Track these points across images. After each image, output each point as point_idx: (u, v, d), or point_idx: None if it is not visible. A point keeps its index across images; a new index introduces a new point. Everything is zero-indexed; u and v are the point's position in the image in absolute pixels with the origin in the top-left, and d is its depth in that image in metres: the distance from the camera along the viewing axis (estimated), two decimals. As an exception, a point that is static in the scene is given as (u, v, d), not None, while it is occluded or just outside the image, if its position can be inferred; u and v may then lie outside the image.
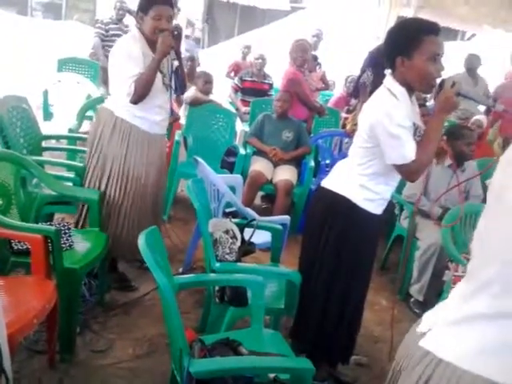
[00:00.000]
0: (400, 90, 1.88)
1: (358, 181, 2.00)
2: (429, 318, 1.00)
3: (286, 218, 2.87)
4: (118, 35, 6.02)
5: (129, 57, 2.39)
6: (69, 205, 2.85)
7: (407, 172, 1.91)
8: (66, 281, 2.10)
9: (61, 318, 2.05)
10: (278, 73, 5.48)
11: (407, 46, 1.83)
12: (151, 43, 2.45)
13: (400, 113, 1.84)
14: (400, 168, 1.89)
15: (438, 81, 1.87)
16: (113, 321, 2.48)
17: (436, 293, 2.89)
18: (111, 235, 2.50)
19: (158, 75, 2.46)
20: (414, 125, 1.90)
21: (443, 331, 0.93)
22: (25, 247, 2.20)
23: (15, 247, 2.22)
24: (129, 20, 6.41)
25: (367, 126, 1.92)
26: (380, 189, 2.00)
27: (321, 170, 4.30)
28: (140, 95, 2.38)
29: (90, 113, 4.17)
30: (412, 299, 3.13)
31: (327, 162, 4.35)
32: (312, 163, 4.03)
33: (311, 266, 2.13)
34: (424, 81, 1.85)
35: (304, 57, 4.35)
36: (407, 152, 1.83)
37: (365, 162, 1.98)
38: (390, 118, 1.82)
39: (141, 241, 1.56)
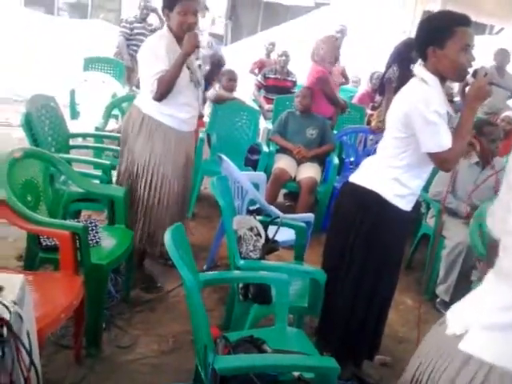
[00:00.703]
0: (433, 79, 1.89)
1: (391, 174, 1.98)
2: (460, 318, 0.97)
3: (310, 216, 2.86)
4: (143, 34, 6.09)
5: (153, 54, 2.41)
6: (96, 202, 2.90)
7: (443, 160, 1.89)
8: (93, 277, 2.13)
9: (87, 313, 2.09)
10: (301, 69, 5.46)
11: (440, 36, 1.86)
12: (179, 39, 2.46)
13: (435, 100, 1.85)
14: (435, 156, 1.88)
15: (470, 71, 1.87)
16: (138, 317, 2.51)
17: (463, 293, 2.83)
18: (138, 232, 2.53)
19: (186, 71, 2.47)
20: (447, 113, 1.89)
21: (488, 336, 0.89)
22: (53, 243, 2.24)
23: (44, 243, 2.27)
24: (153, 19, 6.48)
25: (401, 114, 1.91)
26: (412, 182, 1.99)
27: (345, 168, 4.27)
28: (162, 93, 2.39)
29: (115, 111, 4.22)
30: (438, 299, 3.08)
31: (351, 159, 4.31)
32: (336, 161, 3.99)
33: (338, 263, 2.11)
34: (456, 70, 1.87)
35: (334, 54, 4.33)
36: (444, 140, 1.83)
37: (398, 154, 1.96)
38: (426, 104, 1.83)
39: (166, 237, 1.57)
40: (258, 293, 2.12)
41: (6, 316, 1.23)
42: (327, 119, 4.29)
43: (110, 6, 9.38)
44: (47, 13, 8.79)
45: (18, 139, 5.16)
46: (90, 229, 2.30)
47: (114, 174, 2.85)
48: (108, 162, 3.09)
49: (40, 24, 8.33)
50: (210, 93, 4.35)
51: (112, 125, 4.16)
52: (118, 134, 3.41)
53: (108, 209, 2.71)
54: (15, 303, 1.30)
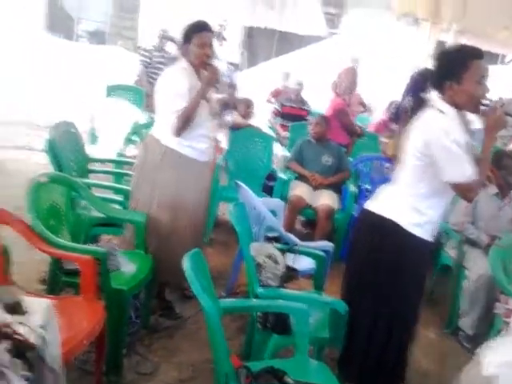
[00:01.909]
0: (451, 110, 1.94)
1: (408, 203, 1.99)
2: (495, 359, 0.96)
3: (330, 245, 2.84)
4: (162, 62, 6.23)
5: (174, 90, 2.45)
6: (115, 227, 2.92)
7: (468, 190, 1.91)
8: (113, 302, 2.14)
9: (108, 339, 2.08)
10: (314, 95, 5.53)
11: (456, 72, 1.93)
12: (197, 70, 2.52)
13: (455, 130, 1.89)
14: (460, 186, 1.89)
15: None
16: (157, 343, 2.50)
17: (487, 326, 2.78)
18: (159, 260, 2.52)
19: (205, 104, 2.52)
20: (467, 143, 1.91)
21: None
22: (74, 267, 2.25)
23: (66, 267, 2.29)
24: (171, 47, 6.63)
25: (421, 143, 1.93)
26: (430, 211, 1.99)
27: (361, 195, 4.26)
28: (182, 129, 2.44)
29: (134, 137, 4.29)
30: (461, 333, 3.01)
31: (367, 186, 4.31)
32: (353, 188, 4.00)
33: (357, 292, 2.10)
34: (472, 103, 1.94)
35: (354, 85, 4.42)
36: (467, 169, 1.85)
37: (415, 182, 1.98)
38: (447, 134, 1.87)
39: (186, 263, 1.57)
40: (277, 322, 2.11)
41: (33, 340, 1.24)
42: (343, 147, 4.32)
43: (127, 35, 9.62)
44: (67, 39, 9.03)
45: (37, 163, 5.26)
46: (110, 254, 2.31)
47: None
48: (128, 188, 3.12)
49: (60, 49, 8.57)
50: (227, 120, 4.41)
51: (131, 151, 4.22)
52: (137, 160, 3.48)
53: (128, 234, 2.73)
54: (42, 327, 1.31)
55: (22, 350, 1.13)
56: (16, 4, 7.87)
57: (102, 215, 2.66)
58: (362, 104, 6.12)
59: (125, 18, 9.55)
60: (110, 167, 3.96)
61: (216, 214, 3.95)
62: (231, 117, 4.52)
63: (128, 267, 2.40)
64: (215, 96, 2.71)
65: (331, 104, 4.42)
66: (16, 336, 1.10)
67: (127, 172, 3.64)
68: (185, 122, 2.42)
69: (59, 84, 7.68)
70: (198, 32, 2.47)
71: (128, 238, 2.69)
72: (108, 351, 2.12)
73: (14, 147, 5.67)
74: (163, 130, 2.54)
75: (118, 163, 3.80)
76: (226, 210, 3.81)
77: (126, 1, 9.42)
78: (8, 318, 1.20)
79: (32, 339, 1.21)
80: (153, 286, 2.61)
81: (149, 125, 4.11)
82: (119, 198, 3.08)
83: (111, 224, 2.87)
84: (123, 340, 2.26)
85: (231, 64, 6.82)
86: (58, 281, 2.25)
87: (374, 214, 2.07)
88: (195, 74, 2.53)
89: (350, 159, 4.43)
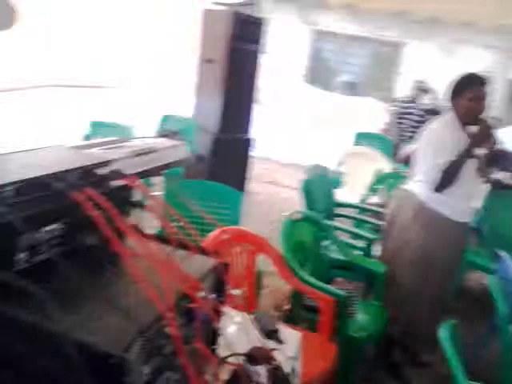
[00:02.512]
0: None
1: None
2: None
3: None
4: (412, 113, 6.19)
5: (439, 144, 2.38)
6: (352, 271, 2.96)
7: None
8: (346, 347, 2.15)
9: (337, 381, 2.10)
10: None
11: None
12: (464, 125, 2.40)
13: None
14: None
15: None
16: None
17: None
18: (395, 316, 2.44)
19: (472, 160, 2.38)
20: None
21: None
22: (313, 305, 2.36)
23: (305, 302, 2.42)
24: (426, 99, 6.53)
25: None
26: None
27: None
28: (446, 185, 2.33)
29: (378, 185, 4.33)
30: None
31: None
32: None
33: None
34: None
35: None
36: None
37: None
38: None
39: (441, 333, 1.48)
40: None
41: (286, 369, 1.33)
42: None
43: (381, 85, 9.89)
44: (324, 89, 9.80)
45: (284, 199, 5.80)
46: (350, 299, 2.35)
47: (374, 248, 2.88)
48: (371, 236, 3.15)
49: (318, 98, 9.40)
50: (495, 178, 4.02)
51: (374, 198, 4.27)
52: (380, 209, 3.48)
53: (365, 282, 2.74)
54: (293, 358, 1.40)
55: (275, 378, 1.22)
56: (283, 59, 9.01)
57: (343, 258, 2.74)
58: None
59: (381, 69, 9.88)
60: (352, 212, 4.07)
61: (461, 280, 3.61)
62: (500, 175, 4.11)
63: (362, 316, 2.41)
64: (482, 152, 2.53)
65: None
66: (274, 362, 1.19)
67: (369, 219, 3.69)
68: (449, 178, 2.32)
69: (314, 130, 8.39)
70: (471, 86, 2.37)
71: (364, 287, 2.70)
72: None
73: (267, 182, 6.41)
74: (421, 185, 2.48)
75: (361, 209, 3.88)
76: (471, 278, 3.48)
77: (382, 53, 9.75)
78: (269, 344, 1.32)
79: (285, 368, 1.30)
80: (382, 340, 2.54)
81: (394, 175, 4.11)
82: (361, 244, 3.12)
83: (348, 268, 2.93)
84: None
85: (493, 118, 6.32)
86: (298, 313, 2.38)
87: None
88: (462, 128, 2.42)
89: None
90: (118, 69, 7.85)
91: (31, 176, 0.82)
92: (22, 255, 0.77)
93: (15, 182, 0.78)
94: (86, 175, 0.94)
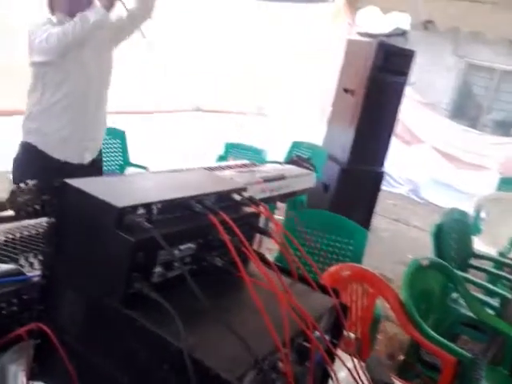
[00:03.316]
0: None
1: None
2: None
3: None
4: None
5: None
6: (480, 331, 2.69)
7: None
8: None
9: None
10: None
11: None
12: None
13: None
14: None
15: None
16: None
17: None
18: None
19: None
20: None
21: None
22: (432, 361, 2.19)
23: (422, 356, 2.25)
24: None
25: None
26: None
27: None
28: None
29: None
30: None
31: None
32: None
33: None
34: None
35: None
36: None
37: None
38: None
39: None
40: None
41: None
42: None
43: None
44: (471, 127, 9.14)
45: (412, 239, 5.50)
46: (476, 363, 2.12)
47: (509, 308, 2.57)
48: (506, 294, 2.83)
49: (461, 136, 8.78)
50: None
51: (516, 253, 3.84)
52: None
53: (495, 346, 2.46)
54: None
55: None
56: (427, 92, 8.62)
57: (472, 315, 2.50)
58: None
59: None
60: (487, 264, 3.71)
61: None
62: None
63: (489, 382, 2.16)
64: None
65: None
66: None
67: (507, 275, 3.33)
68: None
69: (452, 169, 7.90)
70: None
71: (492, 351, 2.42)
72: None
73: (393, 219, 6.15)
74: None
75: (498, 263, 3.52)
76: None
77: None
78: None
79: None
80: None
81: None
82: (495, 302, 2.82)
83: (477, 327, 2.66)
84: None
85: None
86: (414, 367, 2.22)
87: None
88: None
89: None
90: (257, 96, 8.21)
91: (175, 196, 0.89)
92: (159, 269, 0.82)
93: (160, 202, 0.85)
94: (223, 199, 0.99)
